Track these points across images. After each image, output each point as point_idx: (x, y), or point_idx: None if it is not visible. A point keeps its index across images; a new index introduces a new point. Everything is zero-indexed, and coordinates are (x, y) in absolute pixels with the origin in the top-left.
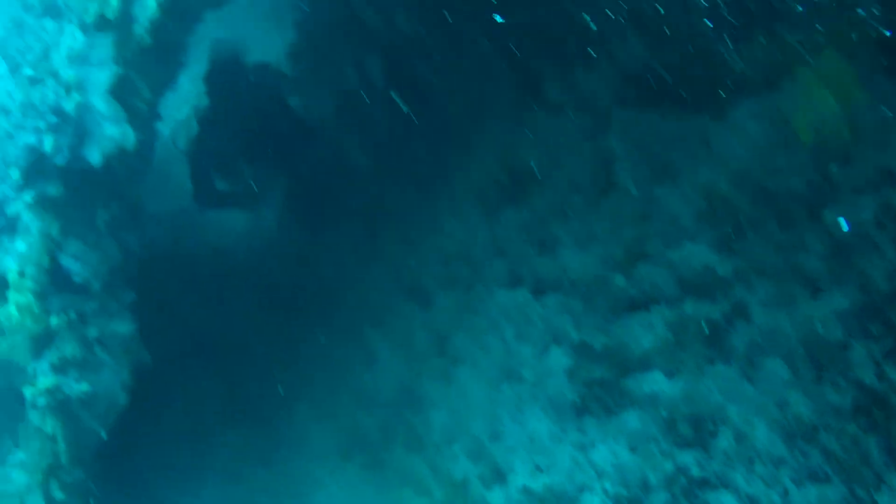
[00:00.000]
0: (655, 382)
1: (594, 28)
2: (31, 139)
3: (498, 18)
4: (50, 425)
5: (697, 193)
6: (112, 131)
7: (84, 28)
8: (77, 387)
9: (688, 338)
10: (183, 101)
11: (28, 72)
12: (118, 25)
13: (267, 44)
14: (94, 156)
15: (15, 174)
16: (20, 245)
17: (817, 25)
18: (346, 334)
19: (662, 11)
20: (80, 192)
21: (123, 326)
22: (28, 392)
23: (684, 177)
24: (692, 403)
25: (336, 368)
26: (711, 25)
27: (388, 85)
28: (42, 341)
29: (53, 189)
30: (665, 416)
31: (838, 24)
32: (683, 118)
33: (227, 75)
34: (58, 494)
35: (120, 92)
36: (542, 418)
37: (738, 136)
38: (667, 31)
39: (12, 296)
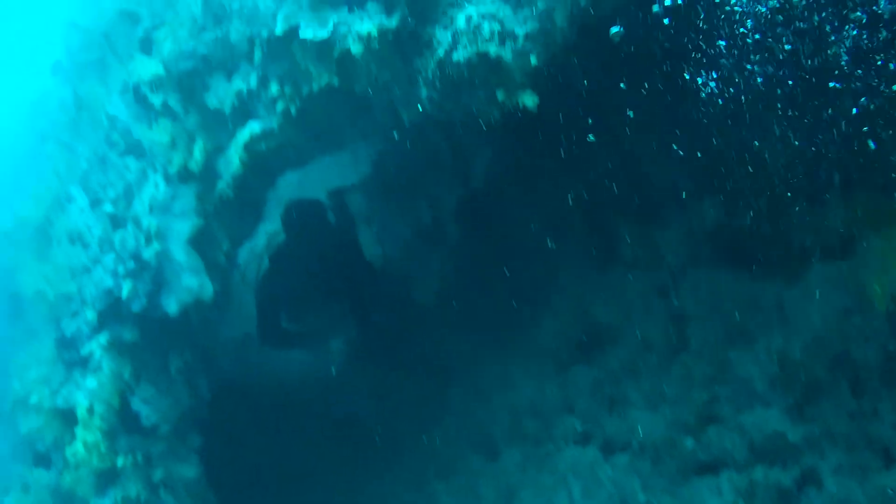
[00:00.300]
0: None
1: (669, 187)
2: (109, 282)
3: (591, 137)
4: None
5: (770, 358)
6: (190, 282)
7: (167, 178)
8: None
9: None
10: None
11: (108, 208)
12: (201, 178)
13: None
14: (171, 305)
15: (91, 315)
16: (91, 382)
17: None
18: (411, 482)
19: (736, 172)
20: (155, 338)
21: (190, 470)
22: None
23: (758, 341)
24: None
25: None
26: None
27: (463, 230)
28: (107, 478)
29: (128, 334)
30: None
31: None
32: (757, 280)
33: (301, 214)
34: None
35: (199, 243)
36: None
37: (811, 302)
38: (741, 191)
39: (80, 432)
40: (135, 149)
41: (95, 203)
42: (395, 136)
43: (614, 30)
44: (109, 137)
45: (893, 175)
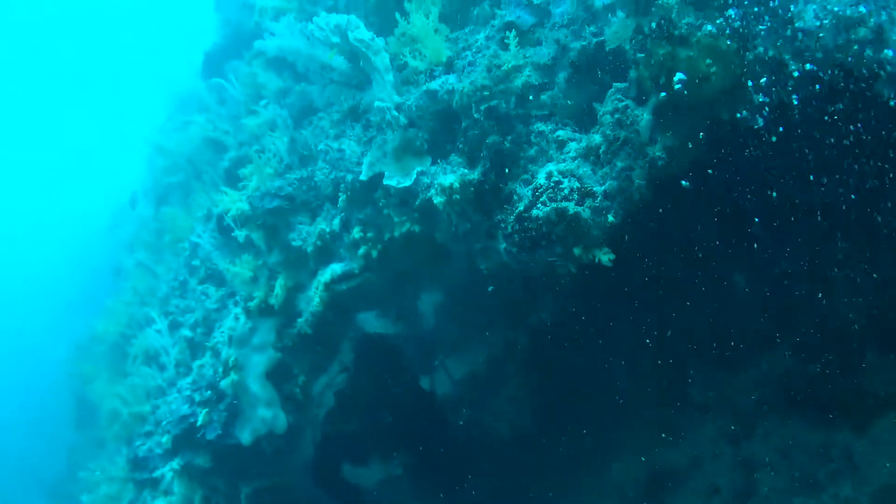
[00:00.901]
0: None
1: (740, 333)
2: (185, 409)
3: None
4: None
5: None
6: (264, 413)
7: (248, 312)
8: None
9: None
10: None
11: (187, 333)
12: (280, 313)
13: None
14: (245, 435)
15: (166, 440)
16: (161, 502)
17: None
18: None
19: (806, 316)
20: (227, 465)
21: None
22: None
23: (826, 489)
24: None
25: None
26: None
27: (531, 366)
28: None
29: (201, 460)
30: None
31: None
32: (827, 427)
33: (371, 348)
34: None
35: (276, 376)
36: None
37: (880, 451)
38: (813, 335)
39: None
40: (215, 277)
41: (174, 326)
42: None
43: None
44: (190, 263)
45: None
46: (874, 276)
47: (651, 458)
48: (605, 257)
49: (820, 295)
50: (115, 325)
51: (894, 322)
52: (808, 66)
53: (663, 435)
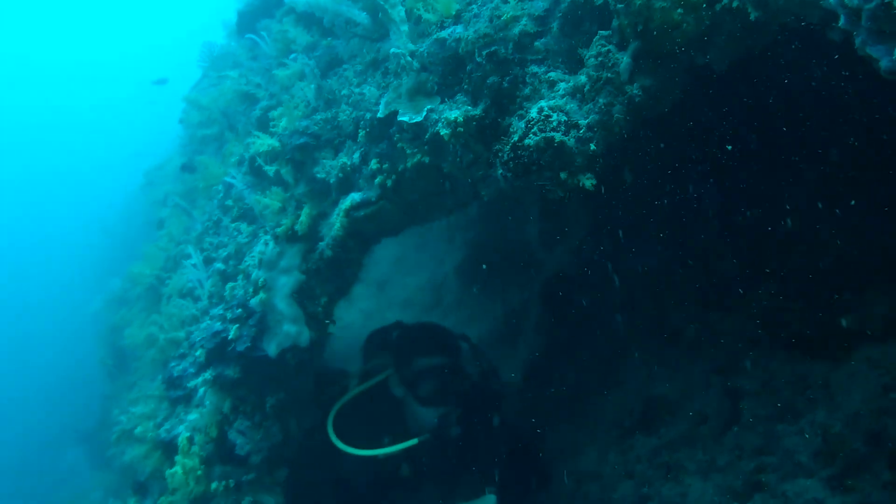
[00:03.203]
0: None
1: (729, 274)
2: (217, 326)
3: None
4: None
5: (814, 432)
6: (289, 329)
7: (276, 238)
8: None
9: None
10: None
11: (220, 266)
12: (306, 239)
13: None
14: (271, 347)
15: (199, 354)
16: (193, 415)
17: None
18: None
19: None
20: (254, 377)
21: (272, 501)
22: None
23: (804, 416)
24: None
25: None
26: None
27: (545, 311)
28: (199, 502)
29: (231, 371)
30: None
31: None
32: (808, 362)
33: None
34: None
35: (300, 296)
36: None
37: (854, 381)
38: (796, 275)
39: (180, 458)
40: (247, 216)
41: (208, 261)
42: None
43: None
44: (223, 203)
45: None
46: (850, 219)
47: (646, 391)
48: (588, 182)
49: (801, 236)
50: (150, 269)
51: (869, 265)
52: (759, 13)
53: (656, 369)
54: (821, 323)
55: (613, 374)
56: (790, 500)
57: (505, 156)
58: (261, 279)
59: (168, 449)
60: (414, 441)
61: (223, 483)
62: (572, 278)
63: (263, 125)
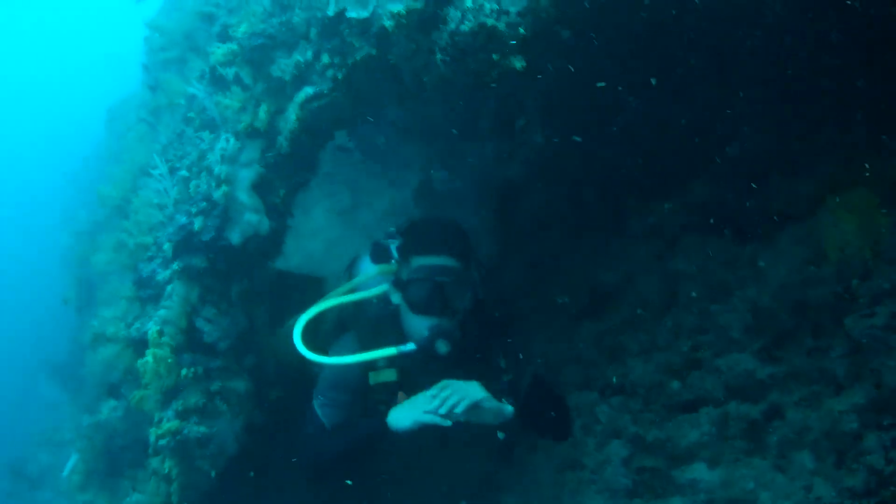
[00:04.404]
0: (698, 471)
1: (670, 169)
2: (183, 220)
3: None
4: (167, 465)
5: (745, 308)
6: (251, 217)
7: (237, 135)
8: (196, 429)
9: (729, 433)
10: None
11: (184, 173)
12: (265, 135)
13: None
14: (235, 236)
15: (167, 247)
16: (162, 311)
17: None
18: None
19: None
20: (220, 266)
21: (241, 385)
22: (152, 435)
23: (735, 294)
24: (728, 489)
25: None
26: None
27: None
28: (171, 394)
29: (198, 261)
30: (704, 500)
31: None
32: (739, 244)
33: None
34: None
35: (260, 189)
36: (597, 500)
37: (780, 258)
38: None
39: (150, 350)
40: (209, 124)
41: (172, 171)
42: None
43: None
44: (186, 115)
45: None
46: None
47: (593, 280)
48: (519, 63)
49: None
50: (117, 190)
51: (795, 151)
52: None
53: (603, 258)
54: (751, 209)
55: (563, 267)
56: (724, 374)
57: (443, 42)
58: (223, 173)
59: (139, 346)
60: (391, 350)
61: (192, 370)
62: (522, 185)
63: (224, 39)
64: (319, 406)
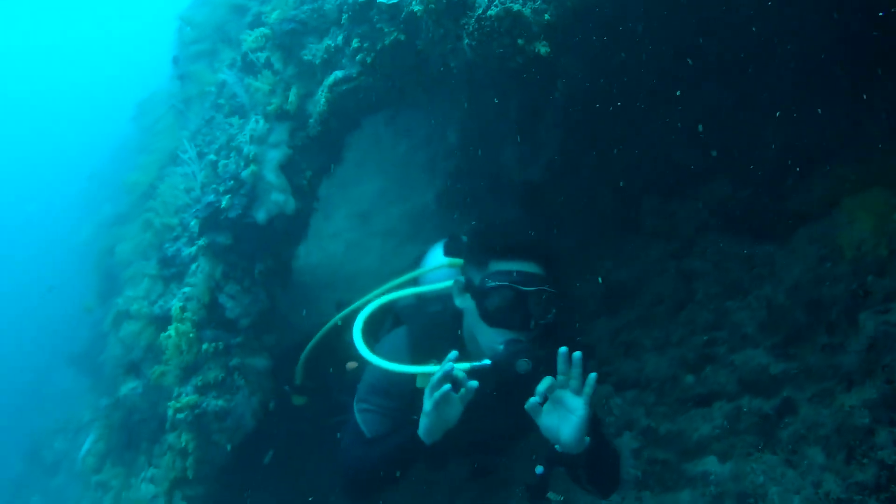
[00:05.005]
0: (709, 464)
1: (686, 169)
2: (210, 198)
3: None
4: (184, 439)
5: (760, 305)
6: (277, 197)
7: (266, 116)
8: (214, 402)
9: (741, 427)
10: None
11: (212, 157)
12: (294, 117)
13: None
14: (260, 215)
15: (193, 224)
16: (186, 288)
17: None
18: None
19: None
20: (245, 243)
21: (260, 363)
22: (171, 409)
23: (751, 292)
24: (738, 483)
25: None
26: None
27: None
28: (191, 370)
29: (223, 238)
30: (713, 493)
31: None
32: (754, 242)
33: None
34: None
35: (287, 169)
36: None
37: (795, 256)
38: (746, 165)
39: (173, 324)
40: (239, 110)
41: (201, 156)
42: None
43: None
44: (216, 102)
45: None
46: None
47: (609, 278)
48: (543, 49)
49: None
50: (145, 176)
51: (808, 152)
52: None
53: (619, 255)
54: (767, 208)
55: (579, 265)
56: (737, 369)
57: (470, 27)
58: (252, 153)
59: (162, 323)
60: (464, 365)
61: (213, 345)
62: (543, 186)
63: (255, 28)
64: (361, 412)
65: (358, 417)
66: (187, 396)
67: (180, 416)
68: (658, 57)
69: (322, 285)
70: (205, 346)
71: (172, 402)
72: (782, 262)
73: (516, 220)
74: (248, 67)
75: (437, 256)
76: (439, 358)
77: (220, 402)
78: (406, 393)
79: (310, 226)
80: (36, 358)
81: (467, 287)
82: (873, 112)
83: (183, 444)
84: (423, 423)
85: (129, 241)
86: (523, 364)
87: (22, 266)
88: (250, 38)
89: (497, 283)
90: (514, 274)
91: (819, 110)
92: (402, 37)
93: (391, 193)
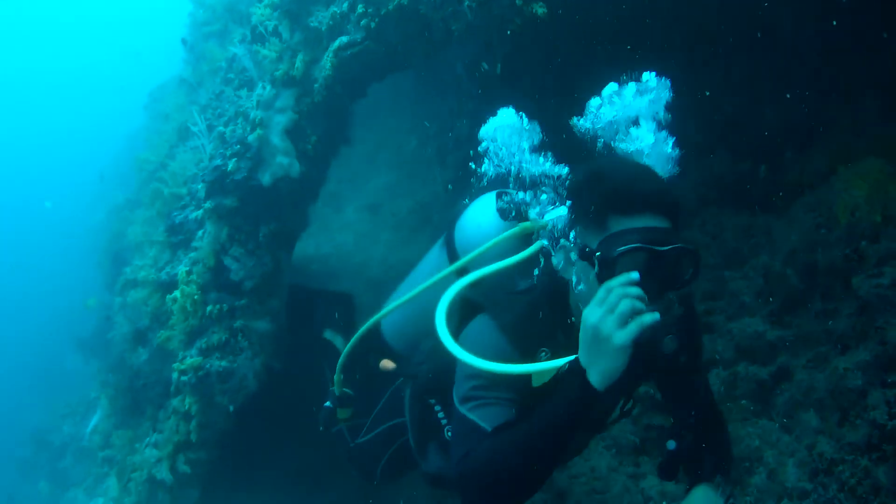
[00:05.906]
0: None
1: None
2: (217, 161)
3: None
4: (188, 402)
5: (757, 274)
6: (282, 160)
7: (273, 82)
8: (218, 363)
9: (737, 393)
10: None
11: (221, 129)
12: (300, 83)
13: None
14: (266, 177)
15: (200, 188)
16: (193, 253)
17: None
18: None
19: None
20: (250, 206)
21: (263, 326)
22: (175, 372)
23: (748, 261)
24: (734, 447)
25: None
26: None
27: None
28: (195, 334)
29: (229, 201)
30: None
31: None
32: (752, 214)
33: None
34: (182, 468)
35: (293, 134)
36: (605, 456)
37: (793, 226)
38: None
39: (179, 287)
40: (248, 83)
41: (210, 128)
42: None
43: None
44: (226, 77)
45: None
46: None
47: None
48: (540, 10)
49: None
50: (155, 156)
51: (807, 126)
52: None
53: None
54: (766, 180)
55: None
56: (735, 336)
57: None
58: (258, 118)
59: (168, 289)
60: None
61: (217, 307)
62: None
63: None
64: (474, 409)
65: (472, 416)
66: (191, 358)
67: (184, 378)
68: (657, 28)
69: (331, 274)
70: (209, 308)
71: (177, 363)
72: (780, 231)
73: (633, 166)
74: (258, 39)
75: (483, 225)
76: (547, 343)
77: (224, 364)
78: (521, 388)
79: (320, 218)
80: (44, 344)
81: (584, 254)
82: (869, 85)
83: (186, 408)
84: (602, 364)
85: (139, 223)
86: (669, 342)
87: (32, 255)
88: (259, 10)
89: (628, 245)
90: (647, 231)
91: (816, 81)
92: (405, 1)
93: (401, 187)
